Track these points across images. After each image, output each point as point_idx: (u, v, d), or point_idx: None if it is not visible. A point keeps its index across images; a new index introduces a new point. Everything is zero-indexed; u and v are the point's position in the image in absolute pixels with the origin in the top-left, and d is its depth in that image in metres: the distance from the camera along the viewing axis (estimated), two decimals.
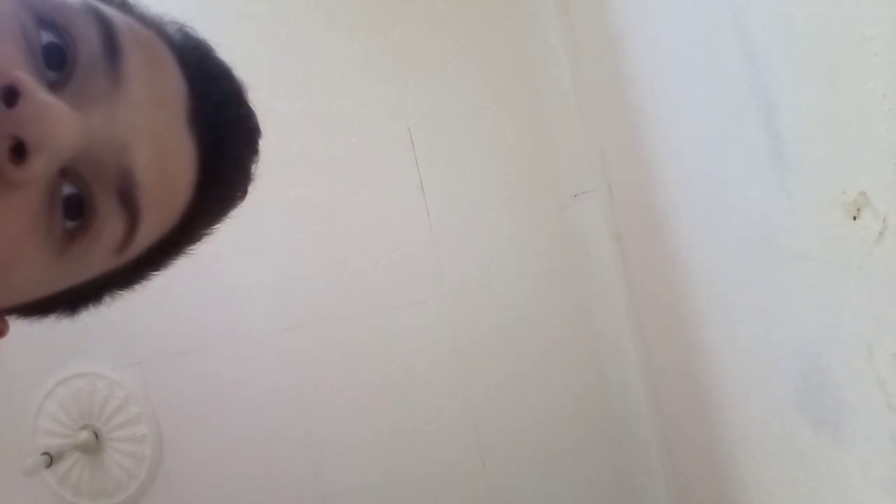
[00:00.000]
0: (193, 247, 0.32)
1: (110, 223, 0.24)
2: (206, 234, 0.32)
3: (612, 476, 1.10)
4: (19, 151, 0.19)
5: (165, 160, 0.26)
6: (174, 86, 0.27)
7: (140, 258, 0.28)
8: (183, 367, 1.10)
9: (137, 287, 0.31)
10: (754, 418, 0.60)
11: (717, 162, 0.56)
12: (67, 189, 0.22)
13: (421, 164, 1.12)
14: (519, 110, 1.12)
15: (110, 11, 0.25)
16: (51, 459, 1.04)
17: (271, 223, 1.10)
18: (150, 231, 0.26)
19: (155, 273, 0.32)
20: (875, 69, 0.32)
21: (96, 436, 1.10)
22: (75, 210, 0.23)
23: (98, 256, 0.25)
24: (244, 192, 0.32)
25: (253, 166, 0.32)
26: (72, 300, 0.29)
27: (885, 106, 0.32)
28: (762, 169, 0.47)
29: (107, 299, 0.30)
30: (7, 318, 0.27)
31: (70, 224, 0.23)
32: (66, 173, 0.22)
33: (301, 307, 1.11)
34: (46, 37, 0.21)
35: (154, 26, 0.28)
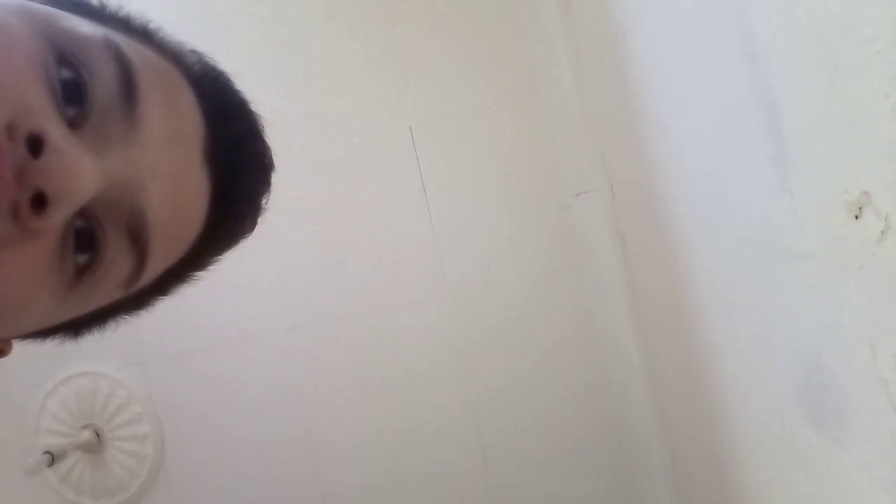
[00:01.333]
0: (199, 275, 0.33)
1: (119, 260, 0.24)
2: (213, 263, 0.33)
3: (612, 476, 1.10)
4: (40, 201, 0.19)
5: (178, 199, 0.26)
6: (191, 123, 0.27)
7: (146, 287, 0.29)
8: (184, 366, 1.10)
9: (142, 313, 0.32)
10: (755, 418, 0.60)
11: (718, 161, 0.56)
12: (79, 223, 0.22)
13: (422, 165, 1.12)
14: (520, 110, 1.12)
15: (129, 46, 0.25)
16: (52, 458, 1.04)
17: (272, 223, 1.09)
18: (158, 266, 0.27)
19: (160, 300, 0.32)
20: (876, 69, 0.32)
21: (98, 435, 1.10)
22: (85, 246, 0.23)
23: (106, 291, 0.25)
24: (253, 225, 0.33)
25: (264, 200, 0.32)
26: (76, 326, 0.29)
27: (887, 105, 0.32)
28: (763, 168, 0.47)
29: (111, 325, 0.31)
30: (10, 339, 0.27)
31: (80, 260, 0.23)
32: (80, 212, 0.22)
33: (301, 307, 1.11)
34: (66, 74, 0.22)
35: (173, 57, 0.28)
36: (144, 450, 1.09)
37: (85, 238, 0.23)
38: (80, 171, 0.20)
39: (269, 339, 1.11)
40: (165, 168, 0.25)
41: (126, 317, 0.31)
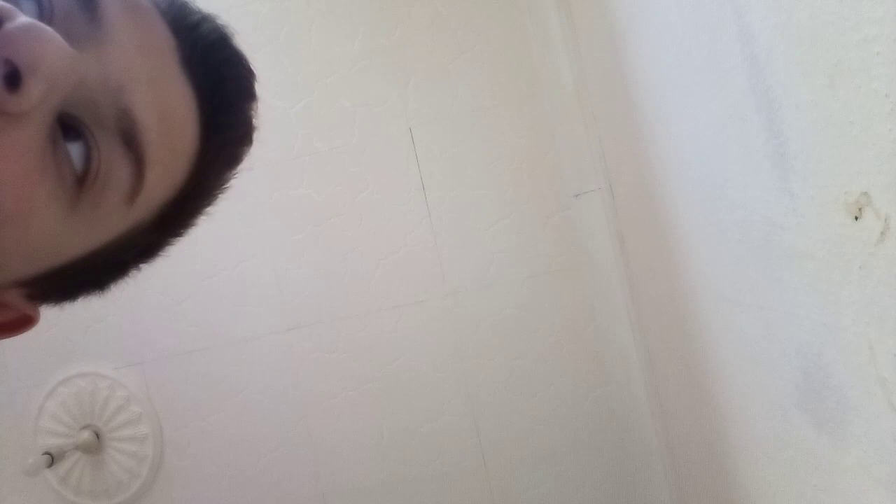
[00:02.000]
0: (209, 205, 0.31)
1: (117, 167, 0.24)
2: (219, 191, 0.32)
3: (612, 476, 1.10)
4: (13, 80, 0.19)
5: (164, 102, 0.25)
6: (160, 33, 0.26)
7: (157, 219, 0.28)
8: (184, 366, 1.10)
9: (160, 255, 0.31)
10: (755, 417, 0.60)
11: (719, 161, 0.56)
12: (69, 134, 0.22)
13: (422, 164, 1.12)
14: (520, 110, 1.12)
15: None
16: (52, 459, 1.04)
17: (272, 223, 1.10)
18: (159, 180, 0.26)
19: (175, 237, 0.31)
20: (877, 69, 0.32)
21: (97, 435, 1.10)
22: (80, 156, 0.22)
23: (110, 207, 0.24)
24: (249, 139, 0.32)
25: (253, 110, 0.32)
26: (96, 274, 0.28)
27: (887, 106, 0.32)
28: (764, 168, 0.47)
29: (132, 270, 0.30)
30: (38, 306, 0.27)
31: (77, 170, 0.22)
32: (64, 118, 0.22)
33: (302, 307, 1.11)
34: None
35: None
36: (144, 450, 1.09)
37: (78, 147, 0.22)
38: (47, 36, 0.19)
39: (268, 339, 1.11)
40: (142, 71, 0.24)
41: (143, 260, 0.30)
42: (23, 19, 0.19)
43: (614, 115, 0.89)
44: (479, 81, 1.12)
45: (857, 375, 0.40)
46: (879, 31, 0.32)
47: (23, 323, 0.27)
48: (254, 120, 0.31)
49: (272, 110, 1.09)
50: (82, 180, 0.23)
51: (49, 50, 0.20)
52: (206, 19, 0.30)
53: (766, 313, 0.52)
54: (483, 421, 1.11)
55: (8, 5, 0.19)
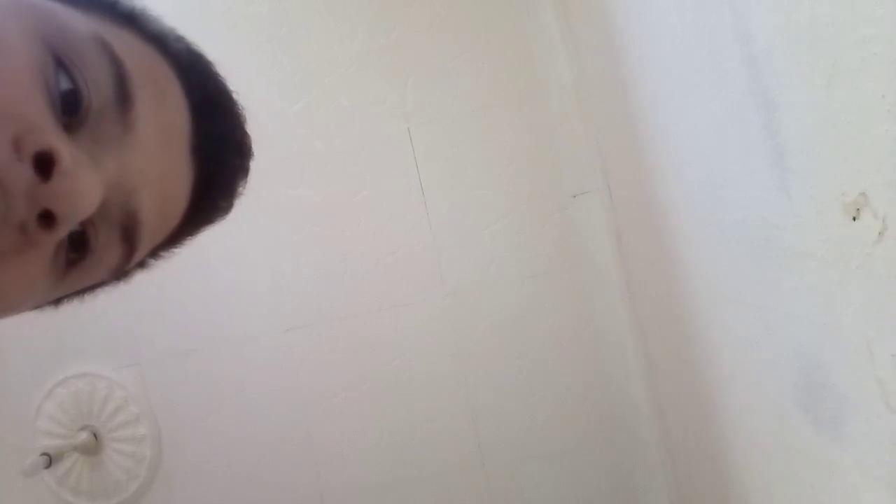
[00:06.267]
0: (175, 251, 0.33)
1: (110, 252, 0.25)
2: (188, 241, 0.33)
3: (612, 476, 1.11)
4: (47, 216, 0.20)
5: (167, 196, 0.27)
6: (179, 120, 0.27)
7: (133, 265, 0.29)
8: (182, 367, 1.10)
9: (120, 285, 0.33)
10: (754, 417, 0.60)
11: (717, 161, 0.56)
12: (74, 230, 0.23)
13: (421, 164, 1.12)
14: (519, 110, 1.12)
15: (120, 40, 0.25)
16: (50, 460, 1.04)
17: (271, 223, 1.10)
18: (143, 252, 0.28)
19: (137, 272, 0.33)
20: (875, 69, 0.32)
21: (95, 436, 1.10)
22: (79, 243, 0.24)
23: (95, 277, 0.26)
24: (230, 209, 0.34)
25: (241, 186, 0.34)
26: (58, 300, 0.30)
27: (885, 106, 0.32)
28: (762, 168, 0.47)
29: (89, 296, 0.32)
30: None
31: (73, 255, 0.24)
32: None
33: (301, 307, 1.11)
34: (65, 82, 0.22)
35: (159, 44, 0.28)
36: (142, 451, 1.09)
37: (79, 237, 0.24)
38: (88, 192, 0.21)
39: (268, 339, 1.11)
40: (156, 170, 0.26)
41: (104, 289, 0.32)
42: (71, 173, 0.20)
43: (613, 115, 0.89)
44: (478, 81, 1.12)
45: (856, 375, 0.41)
46: (877, 31, 0.32)
47: None
48: (239, 194, 0.33)
49: (271, 110, 1.09)
50: (75, 263, 0.24)
51: (88, 203, 0.21)
52: (226, 102, 0.31)
53: (765, 313, 0.52)
54: (482, 421, 1.11)
55: (61, 149, 0.20)
